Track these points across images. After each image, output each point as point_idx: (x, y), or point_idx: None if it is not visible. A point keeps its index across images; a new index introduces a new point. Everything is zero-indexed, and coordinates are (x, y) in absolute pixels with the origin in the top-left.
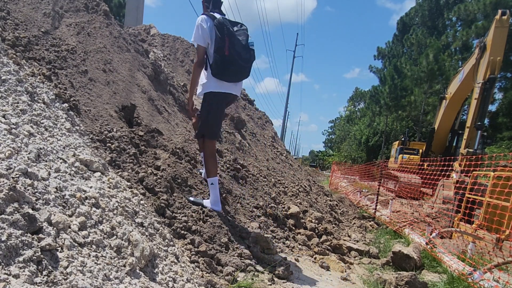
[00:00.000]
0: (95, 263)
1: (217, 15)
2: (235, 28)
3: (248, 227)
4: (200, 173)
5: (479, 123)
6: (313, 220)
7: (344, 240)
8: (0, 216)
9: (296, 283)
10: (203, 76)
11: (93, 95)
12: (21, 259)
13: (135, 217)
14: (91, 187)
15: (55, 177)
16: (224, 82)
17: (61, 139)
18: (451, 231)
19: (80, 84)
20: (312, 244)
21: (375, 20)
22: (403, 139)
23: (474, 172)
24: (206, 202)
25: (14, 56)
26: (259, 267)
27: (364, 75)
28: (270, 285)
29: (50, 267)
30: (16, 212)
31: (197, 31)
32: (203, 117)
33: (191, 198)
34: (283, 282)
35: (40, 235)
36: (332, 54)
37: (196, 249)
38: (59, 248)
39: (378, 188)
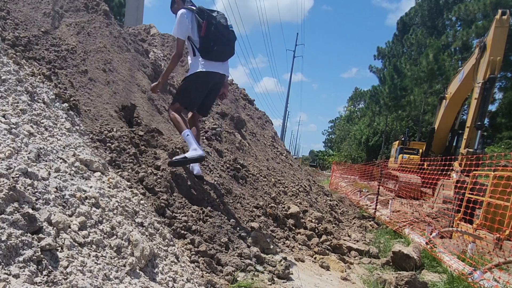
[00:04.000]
0: (95, 263)
1: (194, 7)
2: (214, 14)
3: (248, 227)
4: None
5: (479, 123)
6: (313, 220)
7: (344, 240)
8: (0, 216)
9: (296, 283)
10: (191, 62)
11: (93, 95)
12: (21, 259)
13: (135, 217)
14: (91, 187)
15: (55, 177)
16: (212, 62)
17: (61, 139)
18: (451, 231)
19: (80, 84)
20: (312, 244)
21: (371, 20)
22: (403, 139)
23: (474, 172)
24: (188, 154)
25: (14, 56)
26: (259, 267)
27: (361, 75)
28: (270, 285)
29: (50, 267)
30: (16, 212)
31: (178, 25)
32: (183, 86)
33: (174, 159)
34: (283, 282)
35: (40, 235)
36: (329, 53)
37: (196, 249)
38: (59, 248)
39: (378, 188)
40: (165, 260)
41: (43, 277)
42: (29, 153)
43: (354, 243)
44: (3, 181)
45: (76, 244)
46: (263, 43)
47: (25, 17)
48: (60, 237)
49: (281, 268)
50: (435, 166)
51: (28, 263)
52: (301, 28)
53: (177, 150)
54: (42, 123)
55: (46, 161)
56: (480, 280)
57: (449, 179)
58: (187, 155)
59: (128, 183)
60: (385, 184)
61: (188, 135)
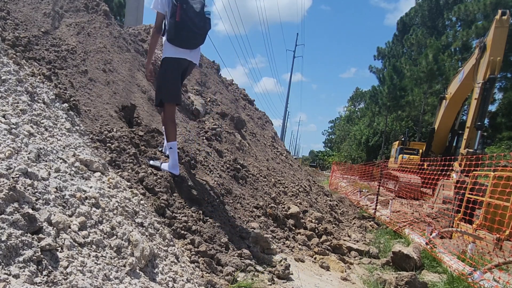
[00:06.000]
0: (95, 263)
1: None
2: None
3: (248, 227)
4: (160, 151)
5: (479, 123)
6: (313, 220)
7: (344, 240)
8: (0, 216)
9: (296, 283)
10: (162, 43)
11: (93, 95)
12: (21, 259)
13: (135, 217)
14: (91, 187)
15: (55, 177)
16: (179, 48)
17: (61, 139)
18: (451, 231)
19: (80, 84)
20: (312, 244)
21: (370, 20)
22: (403, 139)
23: (474, 172)
24: (164, 166)
25: (14, 56)
26: (259, 267)
27: (360, 75)
28: (270, 285)
29: (50, 267)
30: (16, 212)
31: None
32: (159, 82)
33: (151, 162)
34: (283, 282)
35: (40, 235)
36: (328, 53)
37: (196, 249)
38: (59, 248)
39: (378, 188)
40: (165, 260)
41: (43, 277)
42: (29, 153)
43: (354, 243)
44: (3, 181)
45: (76, 244)
46: (262, 43)
47: (25, 17)
48: (60, 237)
49: (281, 268)
50: (435, 166)
51: (28, 263)
52: (300, 28)
53: (177, 150)
54: (42, 123)
55: (46, 161)
56: (480, 280)
57: (449, 179)
58: (163, 166)
59: (128, 183)
60: (385, 184)
61: (171, 148)
